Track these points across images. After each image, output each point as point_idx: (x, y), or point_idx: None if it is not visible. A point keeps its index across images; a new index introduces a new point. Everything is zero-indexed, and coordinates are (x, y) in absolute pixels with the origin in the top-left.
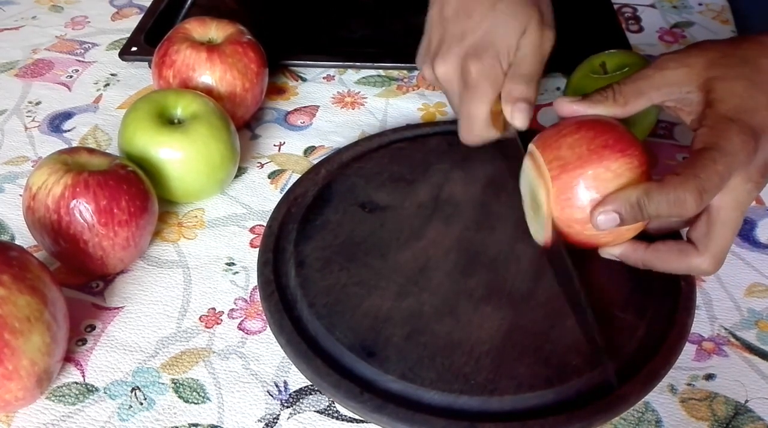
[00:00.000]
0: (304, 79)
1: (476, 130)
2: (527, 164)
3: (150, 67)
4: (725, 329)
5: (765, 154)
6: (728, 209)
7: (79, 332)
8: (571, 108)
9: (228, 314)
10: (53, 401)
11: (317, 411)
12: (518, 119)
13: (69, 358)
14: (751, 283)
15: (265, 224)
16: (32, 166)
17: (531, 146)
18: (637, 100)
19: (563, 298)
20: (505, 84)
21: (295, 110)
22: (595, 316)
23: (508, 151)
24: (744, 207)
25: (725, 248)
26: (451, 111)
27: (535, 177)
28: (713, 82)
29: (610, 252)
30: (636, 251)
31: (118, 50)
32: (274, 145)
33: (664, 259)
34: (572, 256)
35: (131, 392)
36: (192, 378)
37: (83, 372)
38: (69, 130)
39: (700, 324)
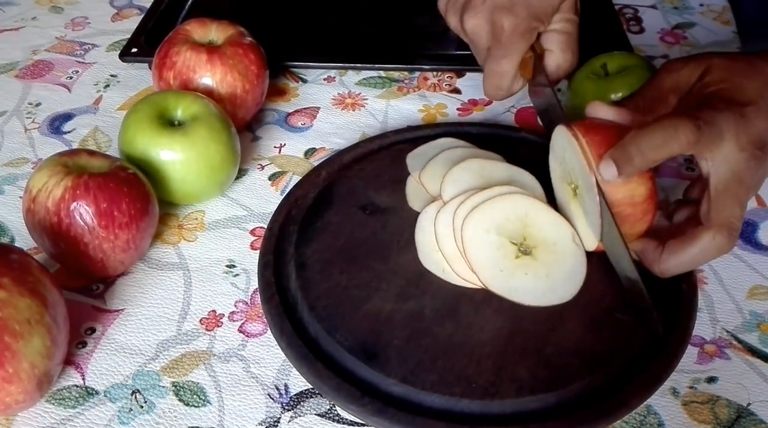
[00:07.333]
0: (304, 81)
1: (504, 86)
2: (572, 146)
3: (150, 69)
4: (727, 332)
5: (758, 128)
6: (725, 177)
7: (80, 335)
8: (607, 113)
9: (228, 317)
10: (53, 404)
11: (318, 415)
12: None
13: (69, 361)
14: (753, 285)
15: (265, 226)
16: (32, 168)
17: (575, 131)
18: (660, 107)
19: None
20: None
21: (296, 112)
22: (597, 319)
23: (542, 103)
24: (744, 176)
25: (731, 218)
26: (452, 112)
27: (582, 162)
28: (710, 69)
29: (633, 247)
30: (656, 250)
31: (119, 51)
32: (275, 147)
33: (679, 251)
34: None
35: (131, 395)
36: (192, 381)
37: (83, 375)
38: (69, 132)
39: (702, 327)
